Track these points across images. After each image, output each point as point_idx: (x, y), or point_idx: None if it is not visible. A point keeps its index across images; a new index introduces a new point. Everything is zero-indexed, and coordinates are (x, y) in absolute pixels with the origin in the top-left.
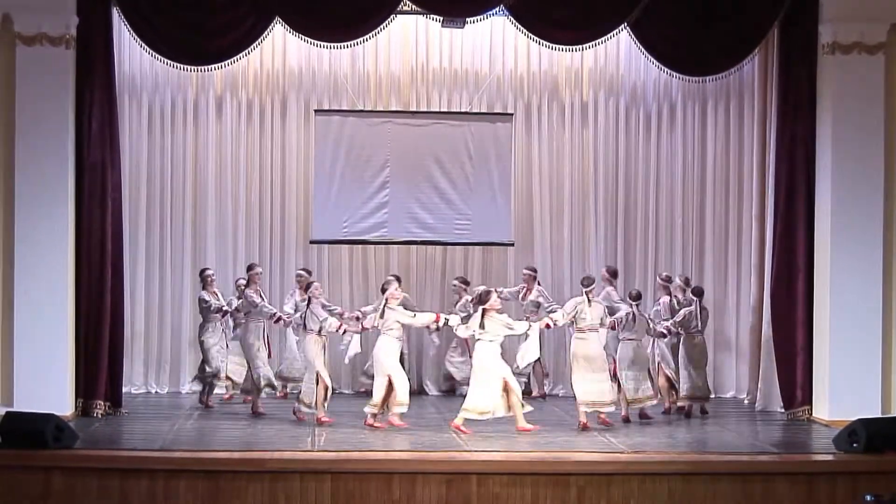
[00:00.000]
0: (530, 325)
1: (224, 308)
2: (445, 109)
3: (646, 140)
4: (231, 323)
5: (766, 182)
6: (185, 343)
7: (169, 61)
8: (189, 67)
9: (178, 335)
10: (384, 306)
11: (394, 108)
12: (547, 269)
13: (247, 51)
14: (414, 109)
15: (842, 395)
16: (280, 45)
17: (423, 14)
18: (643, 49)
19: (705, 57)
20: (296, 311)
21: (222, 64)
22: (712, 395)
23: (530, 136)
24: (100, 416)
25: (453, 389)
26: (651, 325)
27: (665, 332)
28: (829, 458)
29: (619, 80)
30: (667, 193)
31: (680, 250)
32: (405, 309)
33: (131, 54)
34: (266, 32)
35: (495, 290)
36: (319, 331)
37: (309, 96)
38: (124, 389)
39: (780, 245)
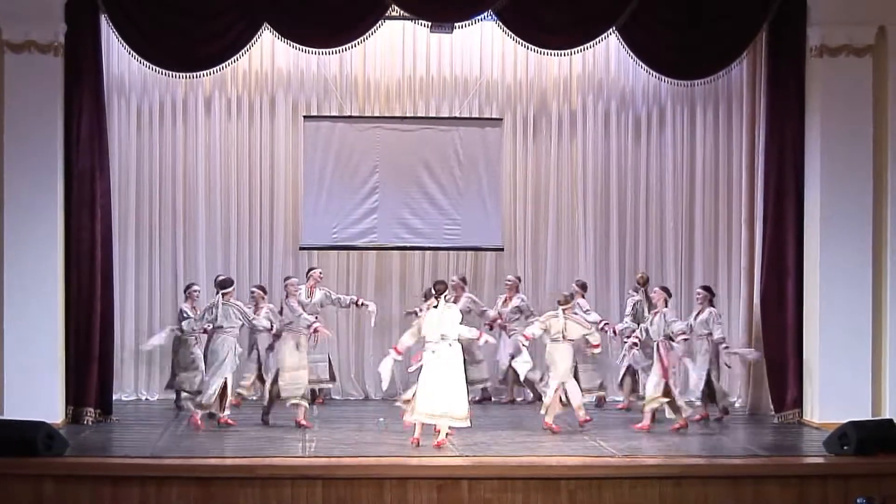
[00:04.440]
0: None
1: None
2: (434, 115)
3: (635, 144)
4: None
5: (756, 185)
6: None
7: (157, 68)
8: (178, 74)
9: (168, 342)
10: None
11: (382, 114)
12: (538, 275)
13: (235, 57)
14: (402, 115)
15: (832, 398)
16: (268, 47)
17: (412, 20)
18: (631, 53)
19: (694, 60)
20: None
21: (211, 70)
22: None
23: (519, 140)
24: (90, 423)
25: None
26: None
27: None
28: (820, 460)
29: (608, 85)
30: (656, 197)
31: (671, 254)
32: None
33: (120, 56)
34: (255, 39)
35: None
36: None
37: (297, 98)
38: (115, 397)
39: (770, 248)
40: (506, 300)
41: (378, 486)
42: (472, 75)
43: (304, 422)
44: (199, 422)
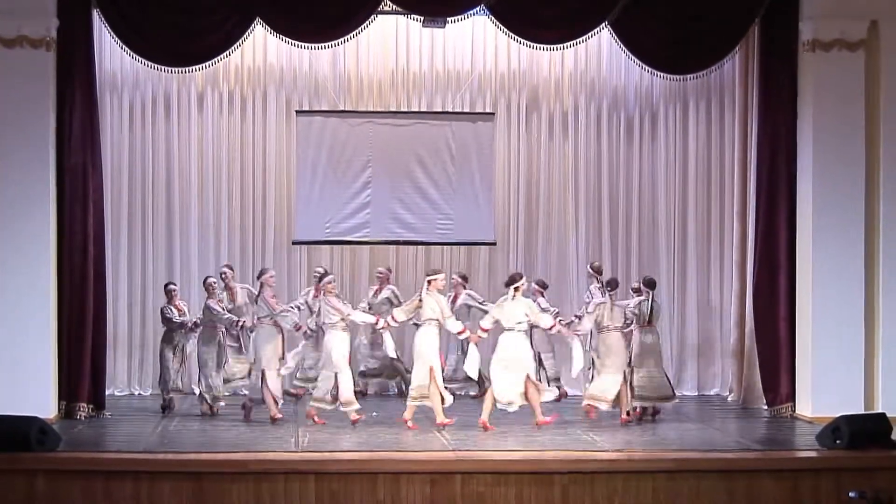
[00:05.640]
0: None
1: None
2: (427, 109)
3: (627, 139)
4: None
5: (748, 179)
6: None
7: (149, 63)
8: (170, 69)
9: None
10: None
11: (375, 109)
12: (530, 269)
13: (227, 52)
14: (395, 109)
15: (825, 392)
16: (261, 41)
17: (404, 14)
18: (624, 47)
19: (686, 54)
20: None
21: (202, 65)
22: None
23: (512, 135)
24: (83, 418)
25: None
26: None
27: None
28: (813, 454)
29: (600, 81)
30: (649, 192)
31: (663, 248)
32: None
33: (112, 51)
34: (247, 34)
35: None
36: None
37: (290, 93)
38: (107, 392)
39: (762, 242)
40: (376, 291)
41: (371, 481)
42: (464, 69)
43: (317, 418)
44: (316, 416)
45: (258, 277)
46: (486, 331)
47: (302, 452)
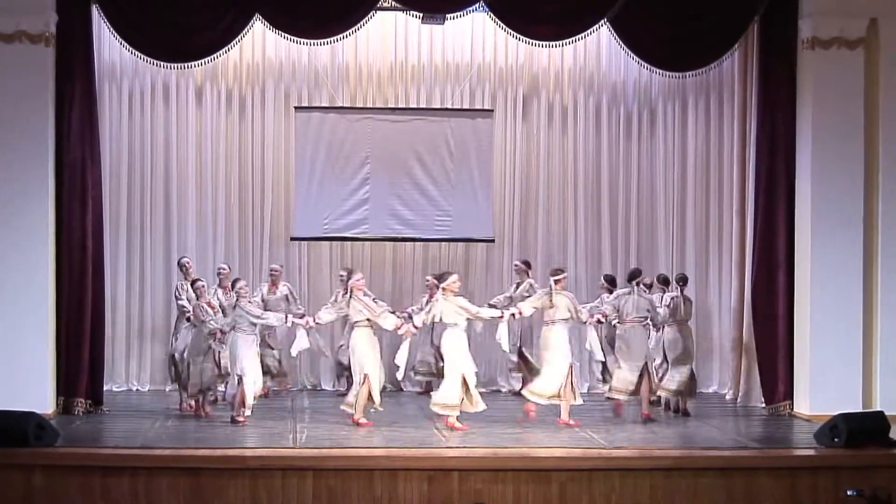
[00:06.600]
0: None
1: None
2: (425, 105)
3: (626, 136)
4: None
5: (747, 177)
6: (167, 341)
7: (148, 58)
8: (169, 64)
9: (160, 333)
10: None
11: (374, 105)
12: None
13: (226, 48)
14: (394, 105)
15: (823, 390)
16: (259, 37)
17: (403, 10)
18: (623, 45)
19: (685, 52)
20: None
21: (202, 61)
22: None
23: (510, 131)
24: (81, 413)
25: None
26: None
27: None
28: (811, 452)
29: (599, 77)
30: (647, 189)
31: (662, 245)
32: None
33: (111, 41)
34: (246, 30)
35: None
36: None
37: (289, 89)
38: (105, 387)
39: (761, 240)
40: (270, 287)
41: (368, 478)
42: (463, 62)
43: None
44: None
45: (346, 281)
46: (605, 316)
47: (299, 449)
